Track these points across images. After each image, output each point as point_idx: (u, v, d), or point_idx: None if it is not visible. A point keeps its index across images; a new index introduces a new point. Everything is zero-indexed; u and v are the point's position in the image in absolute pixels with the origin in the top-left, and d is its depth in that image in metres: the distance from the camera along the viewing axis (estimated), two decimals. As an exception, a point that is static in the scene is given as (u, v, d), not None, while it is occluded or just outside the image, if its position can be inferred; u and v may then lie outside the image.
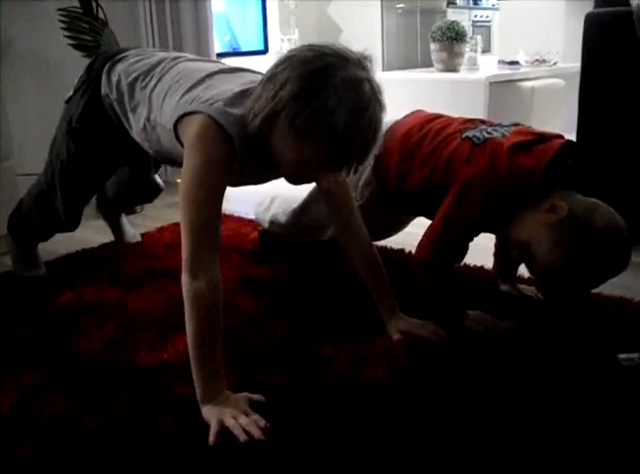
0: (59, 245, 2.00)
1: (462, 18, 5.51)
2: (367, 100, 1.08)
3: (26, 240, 1.83)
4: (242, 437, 1.05)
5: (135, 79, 1.41)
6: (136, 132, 1.44)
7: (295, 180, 1.23)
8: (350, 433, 1.09)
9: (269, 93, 1.10)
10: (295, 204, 1.77)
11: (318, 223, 1.70)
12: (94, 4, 2.38)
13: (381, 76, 3.75)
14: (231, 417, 1.09)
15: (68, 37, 2.33)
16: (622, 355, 1.28)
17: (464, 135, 1.41)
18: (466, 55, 3.45)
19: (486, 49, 5.11)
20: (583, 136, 2.05)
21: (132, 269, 1.87)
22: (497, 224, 1.39)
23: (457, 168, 1.37)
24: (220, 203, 1.17)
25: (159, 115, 1.33)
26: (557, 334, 1.42)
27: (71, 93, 1.57)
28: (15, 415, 1.16)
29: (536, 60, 3.64)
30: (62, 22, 2.33)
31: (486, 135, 1.38)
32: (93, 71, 1.51)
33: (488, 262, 1.75)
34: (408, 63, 5.02)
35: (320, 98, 1.05)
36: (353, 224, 1.43)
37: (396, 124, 1.57)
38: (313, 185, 1.55)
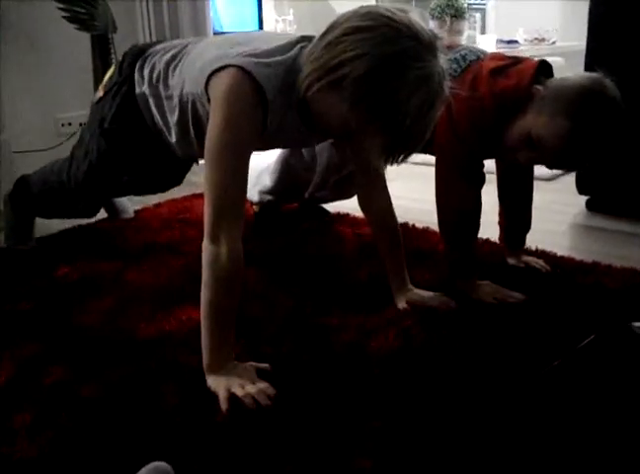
0: (53, 221, 1.95)
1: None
2: (435, 94, 1.03)
3: (27, 216, 1.79)
4: (250, 405, 1.02)
5: (167, 65, 1.34)
6: (174, 131, 1.35)
7: (340, 149, 1.20)
8: (360, 401, 1.06)
9: (331, 59, 1.03)
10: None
11: (301, 171, 1.75)
12: (88, -25, 2.32)
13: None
14: (239, 386, 1.06)
15: (61, 9, 2.27)
16: (637, 324, 1.25)
17: None
18: (465, 33, 3.40)
19: (482, 32, 5.07)
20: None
21: (131, 243, 1.83)
22: (495, 146, 1.38)
23: None
24: (247, 165, 1.11)
25: (191, 84, 1.24)
26: (567, 304, 1.39)
27: (101, 94, 1.49)
28: (13, 386, 1.13)
29: (535, 39, 3.60)
30: (55, -6, 2.27)
31: (463, 65, 1.39)
32: (124, 71, 1.44)
33: (494, 235, 1.72)
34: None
35: (392, 86, 1.00)
36: (376, 189, 1.41)
37: None
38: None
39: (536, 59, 1.38)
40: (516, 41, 3.67)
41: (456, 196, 1.40)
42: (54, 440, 0.98)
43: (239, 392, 1.04)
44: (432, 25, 3.38)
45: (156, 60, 1.38)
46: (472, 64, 1.39)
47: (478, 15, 3.58)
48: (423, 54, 1.02)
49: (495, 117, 1.33)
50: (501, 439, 0.96)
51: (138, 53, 1.43)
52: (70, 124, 2.60)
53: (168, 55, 1.36)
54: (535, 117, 1.29)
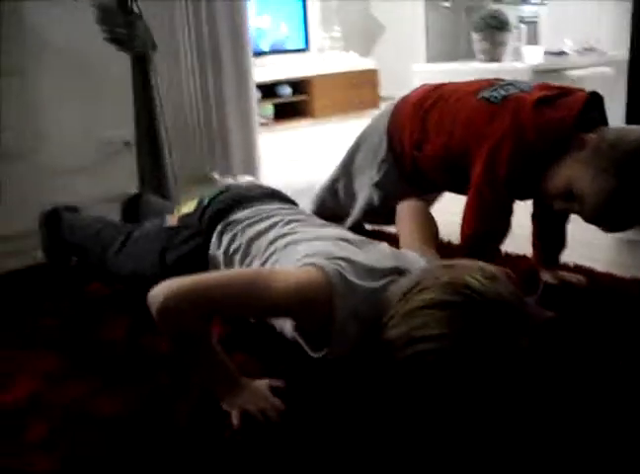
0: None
1: (509, 14, 5.40)
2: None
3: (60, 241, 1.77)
4: (261, 420, 1.02)
5: (249, 242, 1.27)
6: None
7: None
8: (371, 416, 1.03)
9: (413, 329, 0.98)
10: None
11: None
12: (128, -3, 2.37)
13: (424, 68, 3.66)
14: (252, 403, 1.05)
15: (102, 30, 2.32)
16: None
17: (480, 96, 1.34)
18: (510, 45, 3.33)
19: (533, 43, 4.99)
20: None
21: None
22: (534, 186, 1.31)
23: (478, 130, 1.31)
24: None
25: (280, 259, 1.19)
26: (597, 322, 1.32)
27: (174, 223, 1.41)
28: (33, 399, 1.14)
29: (585, 49, 3.50)
30: (96, 15, 2.32)
31: (503, 93, 1.30)
32: (203, 224, 1.36)
33: (528, 250, 1.66)
34: (451, 57, 4.92)
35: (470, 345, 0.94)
36: None
37: (405, 98, 1.52)
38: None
39: (586, 92, 1.29)
40: (564, 53, 3.58)
41: (480, 229, 1.36)
42: (69, 455, 0.98)
43: (252, 409, 1.04)
44: (475, 37, 3.34)
45: (238, 231, 1.30)
46: (515, 95, 1.31)
47: (524, 27, 3.50)
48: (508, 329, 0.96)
49: (536, 151, 1.25)
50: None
51: (221, 214, 1.35)
52: (112, 143, 2.66)
53: (252, 231, 1.29)
54: (582, 167, 1.21)
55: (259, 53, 4.50)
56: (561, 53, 3.57)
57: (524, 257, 1.68)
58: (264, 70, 4.32)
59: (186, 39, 2.79)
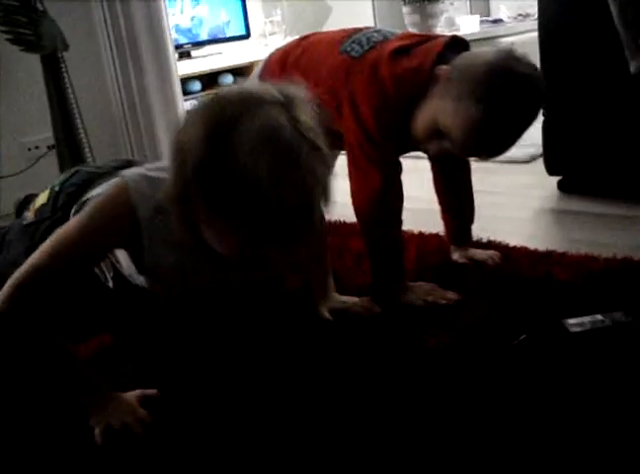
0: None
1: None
2: (290, 147, 0.82)
3: None
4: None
5: None
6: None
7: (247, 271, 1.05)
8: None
9: (175, 166, 0.87)
10: None
11: None
12: (30, -5, 2.27)
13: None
14: (116, 419, 0.99)
15: (4, 31, 2.23)
16: (571, 320, 1.14)
17: (343, 48, 1.31)
18: (443, 16, 3.27)
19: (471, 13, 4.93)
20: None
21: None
22: (405, 139, 1.27)
23: (340, 88, 1.27)
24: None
25: None
26: (504, 302, 1.28)
27: (32, 218, 1.31)
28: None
29: (519, 15, 3.45)
30: (-2, 16, 2.23)
31: (365, 45, 1.27)
32: (58, 209, 1.27)
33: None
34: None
35: (229, 162, 0.81)
36: None
37: (270, 55, 1.49)
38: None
39: (447, 36, 1.26)
40: (500, 20, 3.52)
41: (371, 189, 1.27)
42: None
43: (115, 425, 0.99)
44: (405, 10, 3.26)
45: None
46: (377, 45, 1.27)
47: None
48: (260, 111, 0.83)
49: (397, 103, 1.21)
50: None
51: (74, 194, 1.27)
52: (37, 148, 2.57)
53: None
54: (439, 102, 1.18)
55: (198, 43, 4.40)
56: (497, 21, 3.52)
57: (437, 235, 1.63)
58: (204, 60, 4.22)
59: (104, 34, 2.71)
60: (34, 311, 0.96)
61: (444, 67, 1.19)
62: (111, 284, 1.17)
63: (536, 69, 1.18)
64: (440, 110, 1.18)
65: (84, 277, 1.09)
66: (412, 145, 1.30)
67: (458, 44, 1.26)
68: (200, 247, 0.95)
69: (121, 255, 1.09)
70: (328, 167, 0.90)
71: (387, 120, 1.23)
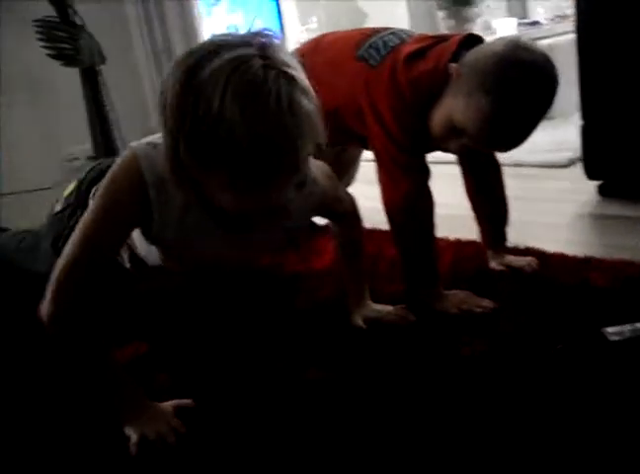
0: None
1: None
2: (262, 77, 0.79)
3: None
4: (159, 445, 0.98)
5: None
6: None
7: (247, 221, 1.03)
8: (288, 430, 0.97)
9: (162, 122, 0.85)
10: None
11: None
12: (70, 10, 2.32)
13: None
14: (151, 429, 1.00)
15: (45, 47, 2.28)
16: (611, 329, 1.11)
17: (360, 54, 1.31)
18: (478, 20, 3.24)
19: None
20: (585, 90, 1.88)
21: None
22: (427, 140, 1.27)
23: (359, 98, 1.29)
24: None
25: None
26: (541, 311, 1.25)
27: (59, 207, 1.36)
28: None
29: (557, 16, 3.39)
30: (38, 33, 2.28)
31: (382, 49, 1.28)
32: (81, 194, 1.31)
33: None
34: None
35: (201, 102, 0.79)
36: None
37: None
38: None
39: (461, 35, 1.25)
40: (538, 22, 3.47)
41: (401, 194, 1.28)
42: None
43: (150, 435, 0.99)
44: (440, 16, 3.25)
45: None
46: (393, 50, 1.27)
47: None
48: (225, 50, 0.81)
49: (415, 105, 1.22)
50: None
51: (97, 180, 1.27)
52: (77, 159, 2.63)
53: None
54: (452, 100, 1.18)
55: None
56: (534, 23, 3.47)
57: (473, 242, 1.60)
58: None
59: (142, 47, 2.75)
60: (79, 307, 0.97)
61: (455, 65, 1.18)
62: (128, 265, 1.20)
63: (545, 56, 1.16)
64: (453, 107, 1.18)
65: (113, 262, 1.11)
66: (434, 145, 1.29)
67: (474, 42, 1.24)
68: (205, 206, 0.97)
69: (134, 233, 1.09)
70: (314, 103, 0.85)
71: (408, 123, 1.25)
